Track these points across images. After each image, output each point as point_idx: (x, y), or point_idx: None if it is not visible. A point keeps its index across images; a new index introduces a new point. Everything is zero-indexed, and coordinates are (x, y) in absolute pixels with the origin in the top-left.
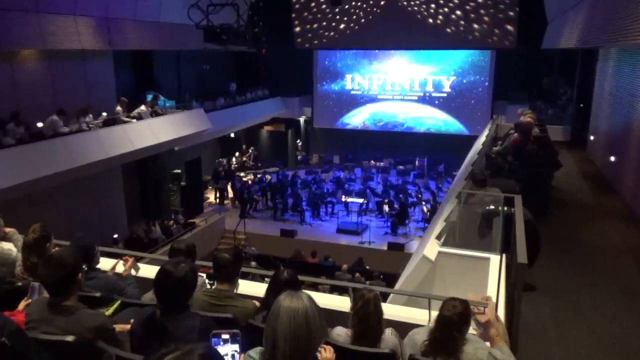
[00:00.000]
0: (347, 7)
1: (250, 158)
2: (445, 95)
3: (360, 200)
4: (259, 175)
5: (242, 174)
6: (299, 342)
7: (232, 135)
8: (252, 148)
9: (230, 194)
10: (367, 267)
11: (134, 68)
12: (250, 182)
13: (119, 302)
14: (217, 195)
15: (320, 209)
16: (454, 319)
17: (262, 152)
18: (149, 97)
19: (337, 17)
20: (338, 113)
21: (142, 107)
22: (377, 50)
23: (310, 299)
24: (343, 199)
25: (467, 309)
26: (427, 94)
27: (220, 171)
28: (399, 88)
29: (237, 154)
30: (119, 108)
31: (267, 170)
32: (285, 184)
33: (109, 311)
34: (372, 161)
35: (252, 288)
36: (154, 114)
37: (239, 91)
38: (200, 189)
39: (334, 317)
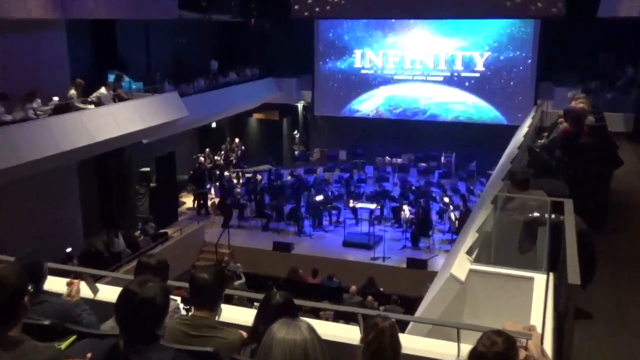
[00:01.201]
0: None
1: (236, 154)
2: (477, 75)
3: (373, 206)
4: (247, 175)
5: (227, 174)
6: None
7: (214, 125)
8: (237, 141)
9: (213, 198)
10: (381, 289)
11: (93, 42)
12: (236, 183)
13: (74, 336)
14: (197, 200)
15: (323, 217)
16: (490, 359)
17: (251, 146)
18: (111, 77)
19: None
20: (345, 98)
21: (102, 90)
22: (393, 20)
23: (310, 328)
24: (351, 205)
25: (511, 349)
26: (456, 74)
27: (200, 170)
28: (420, 66)
29: (223, 146)
30: (73, 91)
31: (257, 169)
32: (280, 185)
33: (63, 344)
34: (387, 157)
35: (238, 315)
36: (117, 98)
37: (222, 71)
38: (175, 192)
39: (339, 351)
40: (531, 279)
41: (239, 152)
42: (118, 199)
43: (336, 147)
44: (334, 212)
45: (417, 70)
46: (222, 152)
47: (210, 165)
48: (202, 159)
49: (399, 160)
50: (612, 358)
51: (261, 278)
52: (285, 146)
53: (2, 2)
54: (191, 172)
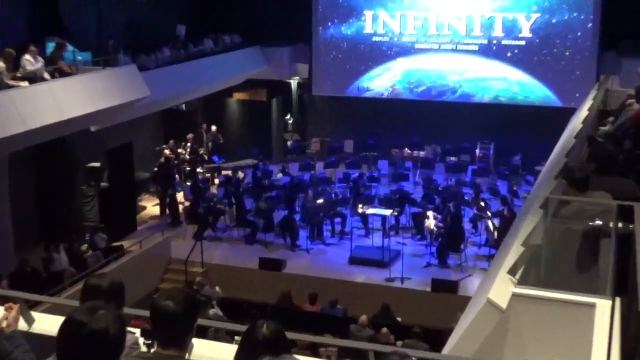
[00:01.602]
0: None
1: (207, 146)
2: (523, 43)
3: (388, 212)
4: (225, 173)
5: (201, 171)
6: None
7: (183, 107)
8: (214, 129)
9: (184, 202)
10: (399, 319)
11: (29, 2)
12: (211, 183)
13: None
14: (162, 204)
15: (323, 226)
16: None
17: (231, 134)
18: (51, 46)
19: None
20: (351, 73)
21: (27, 57)
22: None
23: None
24: (360, 210)
25: None
26: (495, 42)
27: (166, 166)
28: (448, 32)
29: (189, 136)
30: (1, 64)
31: (239, 164)
32: (268, 185)
33: None
34: (407, 150)
35: (214, 352)
36: (58, 73)
37: (194, 38)
38: (133, 194)
39: None
40: (592, 306)
41: (211, 143)
42: (59, 202)
43: (340, 136)
44: (337, 219)
45: (444, 38)
46: (188, 144)
47: (177, 160)
48: (167, 151)
49: (422, 154)
50: None
51: (244, 305)
52: (274, 135)
53: None
54: (155, 169)
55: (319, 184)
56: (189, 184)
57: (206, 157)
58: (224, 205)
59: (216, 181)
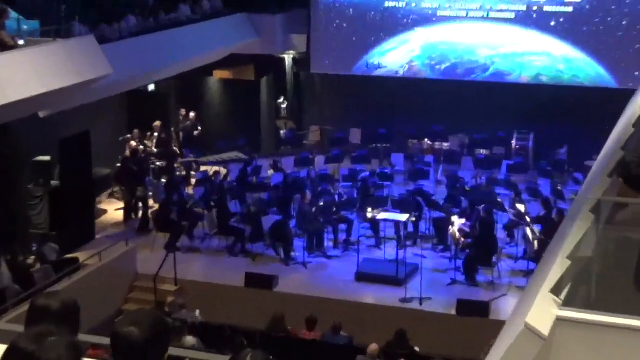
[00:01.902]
0: None
1: (178, 137)
2: (570, 10)
3: (403, 218)
4: (204, 169)
5: (177, 166)
6: None
7: (152, 87)
8: (193, 115)
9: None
10: (416, 349)
11: None
12: (185, 180)
13: None
14: (128, 208)
15: (324, 235)
16: None
17: (211, 122)
18: None
19: None
20: (359, 46)
21: None
22: None
23: None
24: (369, 215)
25: None
26: (535, 9)
27: (134, 161)
28: None
29: (156, 124)
30: None
31: (221, 158)
32: (257, 184)
33: None
34: (427, 140)
35: None
36: None
37: (165, 3)
38: (90, 195)
39: None
40: None
41: (181, 133)
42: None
43: (345, 124)
44: (342, 226)
45: (473, 3)
46: (155, 134)
47: (145, 154)
48: (134, 143)
49: (445, 145)
50: None
51: (227, 331)
52: (264, 123)
53: None
54: (118, 164)
55: (319, 183)
56: (164, 181)
57: (177, 150)
58: (202, 208)
59: (193, 180)
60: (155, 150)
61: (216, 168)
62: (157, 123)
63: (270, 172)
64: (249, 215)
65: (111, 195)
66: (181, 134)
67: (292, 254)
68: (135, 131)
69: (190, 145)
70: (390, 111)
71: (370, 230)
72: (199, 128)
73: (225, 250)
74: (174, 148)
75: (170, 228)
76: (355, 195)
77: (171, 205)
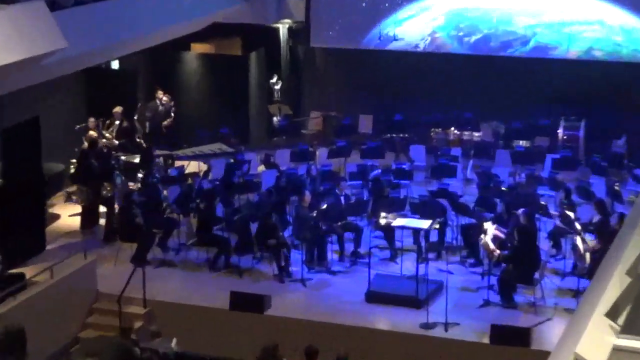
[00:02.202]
0: None
1: (144, 126)
2: None
3: (425, 224)
4: (182, 165)
5: (162, 160)
6: None
7: (116, 65)
8: (167, 98)
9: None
10: None
11: None
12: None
13: None
14: (86, 212)
15: (327, 246)
16: None
17: (188, 106)
18: None
19: None
20: (370, 14)
21: None
22: None
23: None
24: (382, 221)
25: None
26: None
27: (97, 154)
28: None
29: (116, 110)
30: None
31: (201, 150)
32: (245, 183)
33: None
34: (454, 129)
35: None
36: None
37: None
38: (40, 197)
39: None
40: None
41: (148, 123)
42: None
43: (353, 109)
44: (348, 235)
45: None
46: (116, 122)
47: (106, 146)
48: (94, 132)
49: (476, 136)
50: None
51: None
52: (254, 107)
53: None
54: (74, 160)
55: (321, 182)
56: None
57: (142, 142)
58: (177, 213)
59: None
60: (116, 142)
61: (194, 163)
62: (118, 109)
63: (261, 168)
64: (235, 221)
65: (67, 197)
66: (148, 123)
67: (288, 268)
68: (91, 120)
69: (162, 135)
70: (408, 93)
71: (384, 240)
72: (173, 114)
73: (206, 264)
74: (138, 139)
75: (138, 237)
76: (366, 197)
77: (137, 208)
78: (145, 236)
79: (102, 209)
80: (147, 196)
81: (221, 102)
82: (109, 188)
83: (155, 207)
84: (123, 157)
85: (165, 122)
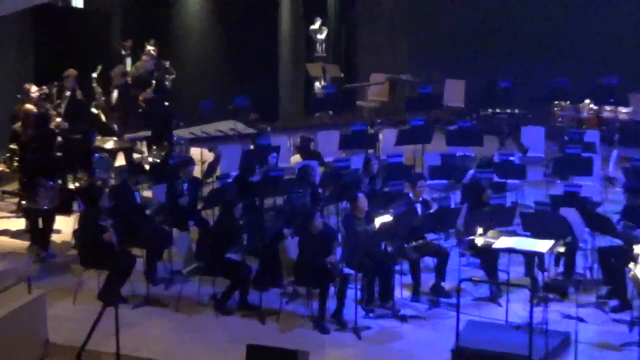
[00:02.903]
0: None
1: (110, 98)
2: None
3: (542, 247)
4: (178, 150)
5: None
6: None
7: (80, 2)
8: (151, 49)
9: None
10: None
11: None
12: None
13: None
14: (31, 220)
15: (394, 276)
16: None
17: (188, 67)
18: None
19: None
20: None
21: None
22: None
23: None
24: (478, 242)
25: None
26: None
27: (40, 133)
28: None
29: (68, 75)
30: None
31: (206, 131)
32: (269, 180)
33: None
34: (588, 102)
35: None
36: None
37: None
38: None
39: None
40: None
41: (117, 90)
42: None
43: (435, 70)
44: (427, 260)
45: None
46: (67, 93)
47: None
48: (31, 106)
49: (623, 112)
50: None
51: None
52: (285, 67)
53: None
54: (12, 145)
55: (386, 181)
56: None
57: (105, 121)
58: (166, 226)
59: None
60: (64, 122)
61: (195, 150)
62: (70, 72)
63: (295, 158)
64: (256, 239)
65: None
66: (115, 93)
67: (340, 310)
68: (32, 89)
69: (147, 111)
70: (518, 48)
71: (481, 270)
72: (169, 82)
73: (211, 303)
74: (101, 118)
75: (109, 260)
76: (454, 205)
77: (95, 216)
78: (118, 259)
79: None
80: (122, 199)
81: (236, 61)
82: (86, 178)
83: (134, 215)
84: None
85: (150, 92)
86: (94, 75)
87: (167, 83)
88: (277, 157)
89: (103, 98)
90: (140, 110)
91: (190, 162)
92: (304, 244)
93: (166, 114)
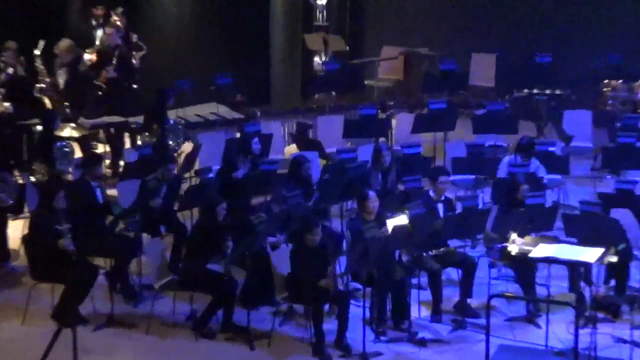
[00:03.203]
0: None
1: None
2: None
3: (590, 257)
4: (148, 140)
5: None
6: None
7: None
8: (117, 20)
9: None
10: None
11: None
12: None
13: None
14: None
15: (408, 293)
16: None
17: (163, 38)
18: None
19: None
20: None
21: None
22: None
23: None
24: (512, 249)
25: None
26: None
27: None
28: None
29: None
30: None
31: (182, 117)
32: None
33: None
34: None
35: None
36: None
37: None
38: None
39: None
40: None
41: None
42: None
43: (459, 43)
44: (449, 272)
45: None
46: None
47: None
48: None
49: None
50: None
51: None
52: (278, 38)
53: None
54: None
55: (401, 175)
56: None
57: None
58: (134, 230)
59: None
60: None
61: (172, 143)
62: (9, 45)
63: (291, 148)
64: (244, 246)
65: None
66: (61, 73)
67: (342, 333)
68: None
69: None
70: (560, 17)
71: (515, 284)
72: (136, 59)
73: (190, 324)
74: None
75: (65, 272)
76: (483, 205)
77: (62, 217)
78: (77, 271)
79: None
80: (81, 199)
81: (219, 32)
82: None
83: (93, 216)
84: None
85: (134, 61)
86: (36, 52)
87: (134, 61)
88: (260, 144)
89: (48, 79)
90: (100, 93)
91: (171, 158)
92: (296, 253)
93: (131, 97)
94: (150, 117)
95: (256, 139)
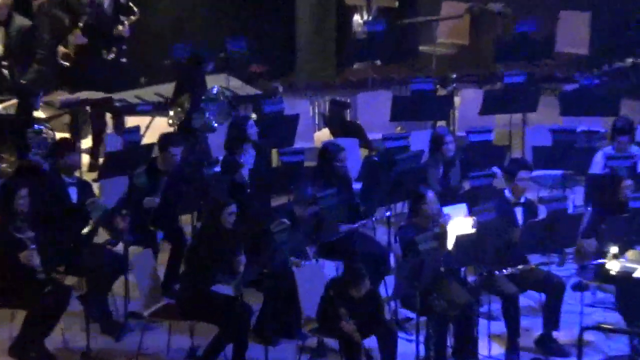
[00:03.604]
0: None
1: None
2: None
3: None
4: (137, 124)
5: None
6: None
7: None
8: None
9: None
10: None
11: None
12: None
13: None
14: None
15: (475, 323)
16: None
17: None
18: None
19: None
20: None
21: None
22: None
23: None
24: (612, 267)
25: None
26: None
27: None
28: None
29: None
30: None
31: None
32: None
33: None
34: None
35: None
36: None
37: None
38: None
39: None
40: None
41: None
42: None
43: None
44: (530, 298)
45: None
46: None
47: None
48: None
49: None
50: None
51: None
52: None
53: None
54: None
55: (465, 170)
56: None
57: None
58: (120, 240)
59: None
60: None
61: (162, 121)
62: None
63: (323, 134)
64: (259, 263)
65: None
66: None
67: None
68: None
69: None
70: None
71: (616, 312)
72: (126, 15)
73: None
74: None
75: (29, 294)
76: (573, 209)
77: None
78: (43, 294)
79: None
80: (49, 199)
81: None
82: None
83: (65, 222)
84: None
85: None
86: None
87: (122, 27)
88: (255, 127)
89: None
90: (65, 64)
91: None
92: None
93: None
94: (181, 89)
95: (251, 122)
